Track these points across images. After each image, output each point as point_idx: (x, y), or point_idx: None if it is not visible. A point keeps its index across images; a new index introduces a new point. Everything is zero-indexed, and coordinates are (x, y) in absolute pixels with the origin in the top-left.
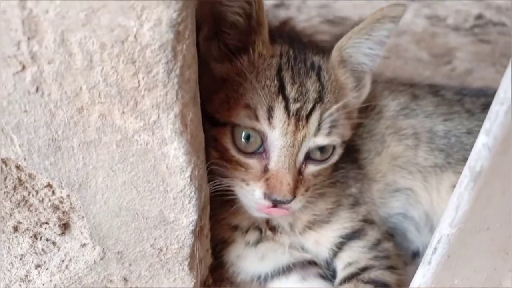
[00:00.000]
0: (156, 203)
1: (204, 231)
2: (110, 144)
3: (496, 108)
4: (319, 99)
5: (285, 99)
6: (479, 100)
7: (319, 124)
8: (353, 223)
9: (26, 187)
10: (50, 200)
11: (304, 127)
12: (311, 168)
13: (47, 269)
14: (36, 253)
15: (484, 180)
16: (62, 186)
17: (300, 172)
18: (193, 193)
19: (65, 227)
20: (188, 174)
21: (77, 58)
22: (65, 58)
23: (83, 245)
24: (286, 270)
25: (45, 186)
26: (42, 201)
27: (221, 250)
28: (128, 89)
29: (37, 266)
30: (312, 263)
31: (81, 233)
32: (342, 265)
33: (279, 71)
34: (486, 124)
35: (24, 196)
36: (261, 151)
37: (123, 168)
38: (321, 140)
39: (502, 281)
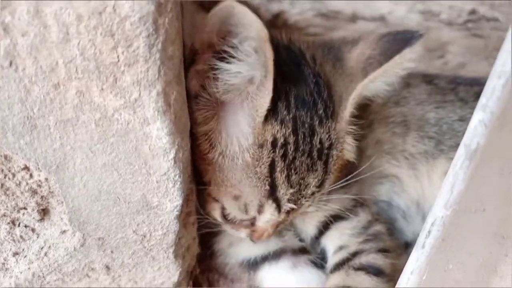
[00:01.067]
0: (138, 186)
1: (190, 218)
2: (88, 123)
3: (493, 83)
4: (319, 186)
5: (277, 200)
6: (472, 89)
7: (313, 201)
8: (343, 203)
9: (2, 170)
10: (27, 183)
11: (296, 211)
12: (298, 210)
13: (25, 256)
14: (14, 240)
15: (480, 158)
16: (39, 168)
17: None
18: (177, 176)
19: (44, 212)
20: (171, 156)
21: (53, 30)
22: (39, 31)
23: (63, 231)
24: (277, 255)
25: (22, 169)
26: (19, 184)
27: (209, 239)
28: (107, 64)
29: (15, 253)
30: (303, 250)
31: (61, 219)
32: (333, 249)
33: (272, 168)
34: (482, 100)
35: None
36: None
37: (103, 149)
38: (312, 209)
39: (498, 266)
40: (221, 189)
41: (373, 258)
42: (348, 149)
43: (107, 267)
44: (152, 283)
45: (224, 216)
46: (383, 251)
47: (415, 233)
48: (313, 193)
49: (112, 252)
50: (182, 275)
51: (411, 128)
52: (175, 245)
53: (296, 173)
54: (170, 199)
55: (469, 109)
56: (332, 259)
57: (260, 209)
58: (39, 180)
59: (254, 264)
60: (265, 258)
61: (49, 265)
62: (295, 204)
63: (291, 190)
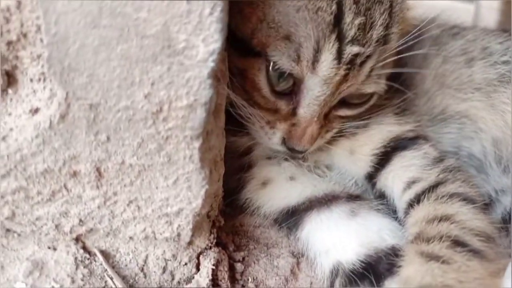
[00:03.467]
0: (159, 6)
1: (220, 113)
2: None
3: None
4: (384, 38)
5: (340, 37)
6: None
7: (371, 71)
8: (400, 126)
9: None
10: None
11: (354, 77)
12: (343, 112)
13: None
14: None
15: None
16: None
17: (326, 116)
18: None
19: (9, 80)
20: None
21: None
22: None
23: (34, 92)
24: (328, 200)
25: None
26: None
27: (235, 191)
28: None
29: None
30: (359, 197)
31: (33, 91)
32: (402, 185)
33: None
34: None
35: None
36: (291, 92)
37: None
38: (368, 88)
39: None
40: (270, 32)
41: (460, 186)
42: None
43: (98, 171)
44: (163, 210)
45: (269, 81)
46: (468, 181)
47: (498, 189)
48: (377, 41)
49: (108, 139)
50: (206, 203)
51: (476, 58)
52: (202, 137)
53: None
54: (205, 37)
55: None
56: (406, 195)
57: (316, 56)
58: (8, 7)
59: (296, 214)
60: (312, 204)
61: (7, 156)
62: (359, 46)
63: (358, 20)
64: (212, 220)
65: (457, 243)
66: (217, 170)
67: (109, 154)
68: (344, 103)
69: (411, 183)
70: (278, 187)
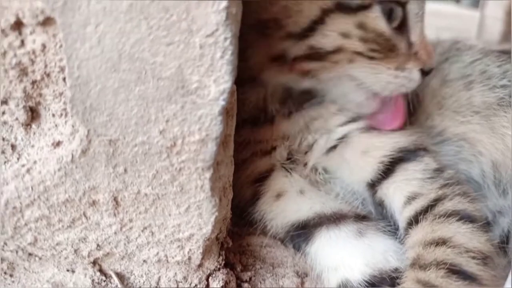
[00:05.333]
0: (174, 52)
1: (229, 144)
2: None
3: None
4: None
5: None
6: None
7: None
8: (405, 138)
9: None
10: (15, 55)
11: None
12: None
13: None
14: None
15: None
16: (36, 14)
17: None
18: (228, 41)
19: (32, 114)
20: (223, 5)
21: None
22: None
23: (56, 141)
24: (336, 218)
25: (12, 25)
26: (4, 54)
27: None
28: None
29: None
30: (367, 218)
31: (55, 126)
32: (403, 198)
33: None
34: None
35: None
36: (400, 28)
37: None
38: None
39: None
40: None
41: (459, 202)
42: None
43: (115, 200)
44: (175, 235)
45: (389, 23)
46: (466, 195)
47: (496, 211)
48: None
49: (125, 171)
50: (215, 229)
51: (476, 81)
52: (213, 166)
53: None
54: (216, 78)
55: None
56: (406, 211)
57: None
58: (33, 50)
59: (306, 228)
60: (321, 220)
61: (32, 187)
62: None
63: None
64: (221, 242)
65: (453, 271)
66: (226, 196)
67: (126, 184)
68: None
69: (411, 199)
70: (290, 200)
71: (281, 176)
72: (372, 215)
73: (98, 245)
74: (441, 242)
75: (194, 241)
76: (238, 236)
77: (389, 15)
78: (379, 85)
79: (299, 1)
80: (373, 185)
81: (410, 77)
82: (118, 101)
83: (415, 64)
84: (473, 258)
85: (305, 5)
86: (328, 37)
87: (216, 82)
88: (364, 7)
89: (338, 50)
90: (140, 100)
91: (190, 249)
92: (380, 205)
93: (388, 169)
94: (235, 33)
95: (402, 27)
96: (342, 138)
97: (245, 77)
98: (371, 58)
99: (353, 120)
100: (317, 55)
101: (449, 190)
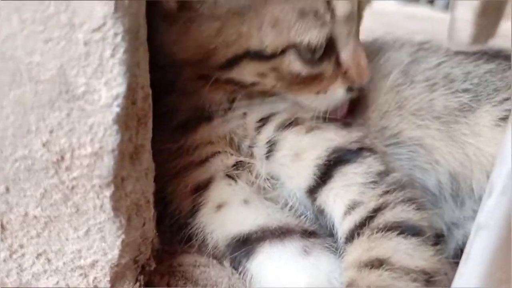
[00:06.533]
0: (53, 49)
1: (141, 155)
2: None
3: None
4: None
5: None
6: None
7: None
8: (341, 136)
9: None
10: None
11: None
12: None
13: None
14: None
15: None
16: None
17: None
18: (119, 36)
19: None
20: None
21: None
22: None
23: None
24: (282, 233)
25: None
26: None
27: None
28: None
29: None
30: (315, 234)
31: None
32: (343, 208)
33: None
34: None
35: None
36: (328, 49)
37: None
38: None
39: None
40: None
41: (402, 211)
42: None
43: (1, 224)
44: (75, 262)
45: (304, 61)
46: (411, 201)
47: (451, 222)
48: None
49: (7, 190)
50: (124, 253)
51: (439, 84)
52: (114, 184)
53: None
54: (107, 81)
55: (494, 64)
56: (345, 223)
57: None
58: None
59: (248, 243)
60: (265, 234)
61: None
62: None
63: None
64: (141, 265)
65: None
66: (141, 214)
67: (11, 206)
68: None
69: (351, 208)
70: (233, 211)
71: (223, 185)
72: (321, 230)
73: None
74: (377, 264)
75: (99, 268)
76: (169, 255)
77: (311, 49)
78: (302, 103)
79: (218, 43)
80: (312, 192)
81: (332, 98)
82: None
83: (342, 83)
84: (414, 280)
85: (221, 49)
86: (245, 75)
87: (107, 85)
88: (277, 55)
89: (257, 83)
90: (17, 107)
91: (95, 277)
92: (322, 214)
93: (325, 173)
94: (129, 28)
95: (329, 51)
96: (269, 142)
97: (178, 86)
98: (291, 88)
99: (277, 119)
100: (239, 84)
101: (391, 197)
